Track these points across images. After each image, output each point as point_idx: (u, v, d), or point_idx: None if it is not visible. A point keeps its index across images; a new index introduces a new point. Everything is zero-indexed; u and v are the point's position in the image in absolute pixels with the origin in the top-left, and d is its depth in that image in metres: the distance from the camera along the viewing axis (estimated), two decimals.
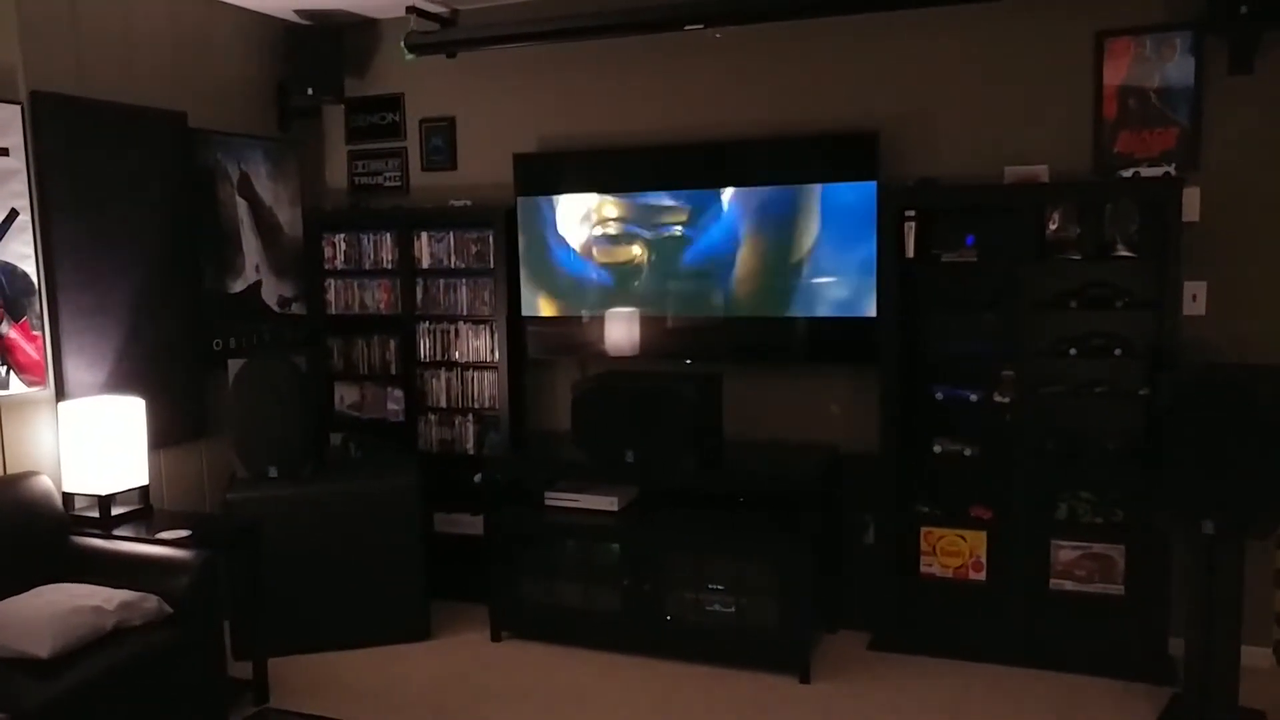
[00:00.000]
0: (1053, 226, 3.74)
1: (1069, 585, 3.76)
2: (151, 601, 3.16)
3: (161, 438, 3.97)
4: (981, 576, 3.87)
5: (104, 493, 3.60)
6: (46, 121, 3.58)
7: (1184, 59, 3.68)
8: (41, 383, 3.58)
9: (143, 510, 3.73)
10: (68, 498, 3.61)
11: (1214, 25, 3.58)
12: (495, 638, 4.18)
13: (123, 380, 3.85)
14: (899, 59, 4.05)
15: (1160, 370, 3.42)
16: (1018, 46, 3.89)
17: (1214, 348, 3.65)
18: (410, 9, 4.33)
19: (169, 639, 3.13)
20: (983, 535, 3.87)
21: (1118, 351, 3.65)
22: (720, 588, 3.84)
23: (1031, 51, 3.87)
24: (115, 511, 3.63)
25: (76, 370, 3.70)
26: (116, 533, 3.54)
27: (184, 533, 3.50)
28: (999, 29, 3.88)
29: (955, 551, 3.90)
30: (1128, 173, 3.72)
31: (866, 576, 4.07)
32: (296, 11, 4.57)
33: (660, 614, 3.91)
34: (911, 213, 3.82)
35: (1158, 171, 3.67)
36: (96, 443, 3.57)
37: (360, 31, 4.78)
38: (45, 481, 3.47)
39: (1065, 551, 3.77)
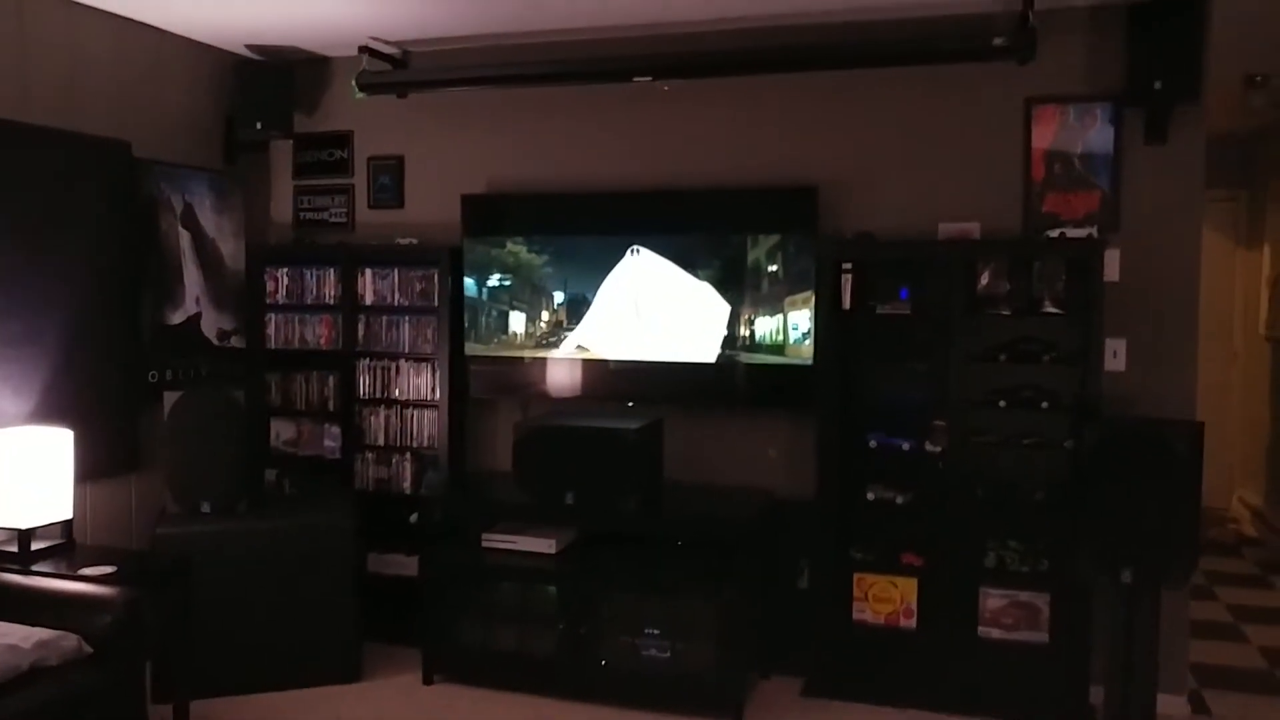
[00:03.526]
0: (984, 282, 3.87)
1: (996, 633, 3.84)
2: (71, 640, 3.05)
3: (90, 470, 3.88)
4: (912, 623, 3.93)
5: (24, 526, 3.50)
6: None
7: (1104, 128, 3.87)
8: None
9: (65, 545, 3.62)
10: None
11: (1130, 98, 3.78)
12: (427, 680, 4.12)
13: (52, 411, 3.76)
14: (840, 117, 4.19)
15: (1083, 423, 3.55)
16: (953, 108, 4.05)
17: (1133, 402, 3.80)
18: (363, 49, 4.37)
19: (88, 680, 3.02)
20: (914, 582, 3.93)
21: (1045, 404, 3.77)
22: (656, 632, 3.84)
23: (966, 114, 4.04)
24: (36, 546, 3.52)
25: (1, 399, 3.61)
26: (36, 568, 3.43)
27: (108, 569, 3.40)
28: (935, 91, 4.05)
29: (887, 598, 3.96)
30: (1054, 233, 3.88)
31: (801, 622, 4.11)
32: (248, 46, 4.58)
33: (596, 658, 3.90)
34: (848, 265, 3.92)
35: (1082, 233, 3.84)
36: (19, 475, 3.47)
37: (312, 68, 4.80)
38: None
39: (993, 599, 3.85)
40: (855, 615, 3.99)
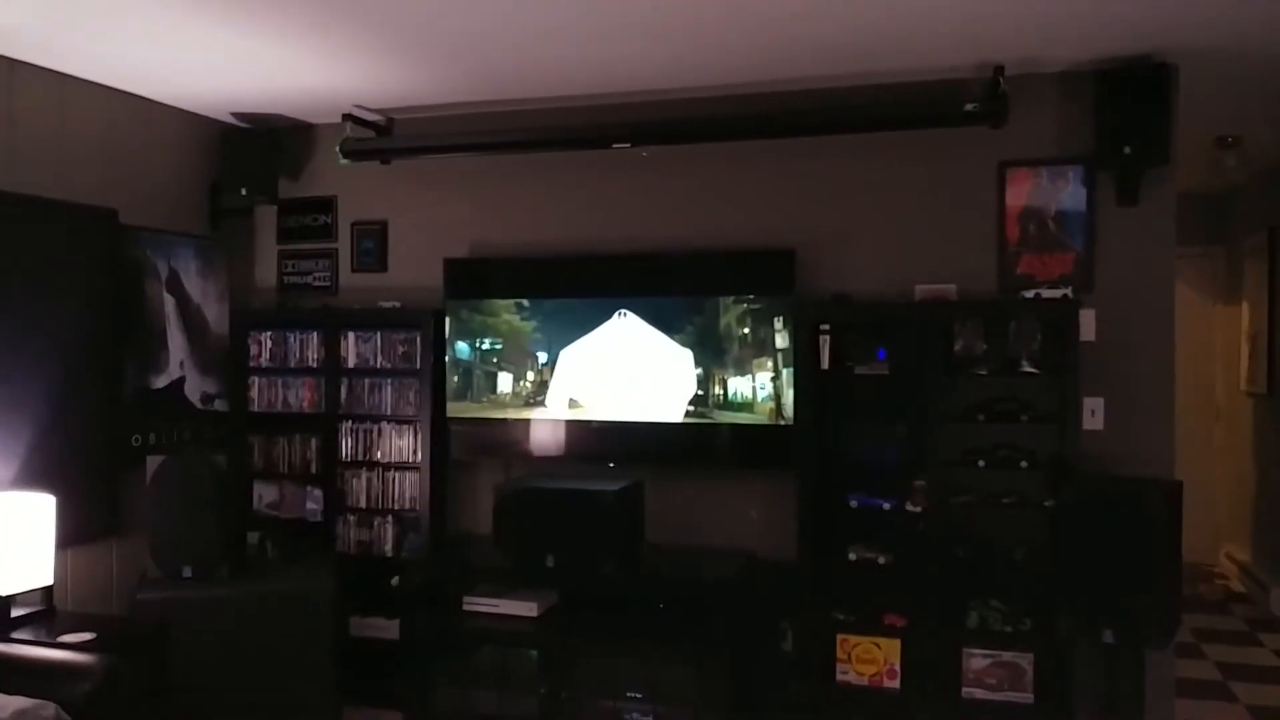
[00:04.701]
0: (960, 342, 3.92)
1: (980, 694, 3.82)
2: (49, 710, 3.02)
3: (71, 536, 3.87)
4: (895, 684, 3.91)
5: (3, 593, 3.48)
6: None
7: (1077, 189, 3.94)
8: None
9: (45, 612, 3.60)
10: None
11: (1101, 162, 3.85)
12: None
13: (34, 476, 3.76)
14: (817, 180, 4.25)
15: (1062, 482, 3.57)
16: (927, 171, 4.12)
17: (1112, 460, 3.82)
18: (347, 116, 4.45)
19: None
20: (896, 643, 3.92)
21: (1023, 463, 3.80)
22: (638, 695, 3.82)
23: (940, 177, 4.11)
24: (16, 613, 3.50)
25: None
26: (15, 635, 3.41)
27: (87, 635, 3.39)
28: (910, 154, 4.12)
29: (870, 659, 3.95)
30: (1030, 293, 3.91)
31: (784, 683, 4.08)
32: (233, 114, 4.66)
33: None
34: (826, 326, 3.96)
35: (1057, 293, 3.87)
36: None
37: (296, 135, 4.88)
38: None
39: (976, 659, 3.84)
40: (838, 676, 3.97)
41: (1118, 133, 3.76)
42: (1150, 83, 3.74)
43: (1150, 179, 3.84)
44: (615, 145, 4.17)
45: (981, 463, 3.83)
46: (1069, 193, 3.96)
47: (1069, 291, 3.87)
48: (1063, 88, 3.95)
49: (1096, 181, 3.91)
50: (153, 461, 3.98)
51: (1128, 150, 3.74)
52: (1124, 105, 3.76)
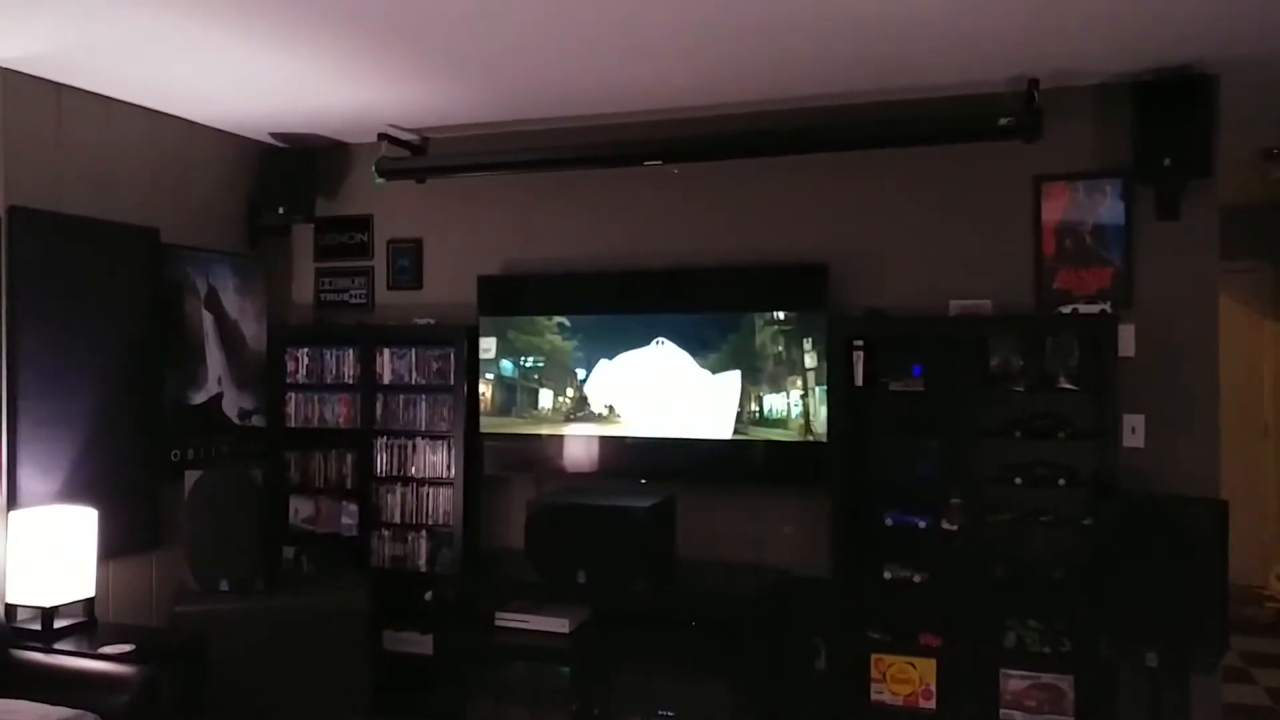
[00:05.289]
0: (996, 358, 3.87)
1: (1018, 716, 3.75)
2: (89, 719, 3.10)
3: (113, 548, 3.94)
4: (931, 705, 3.85)
5: (48, 605, 3.55)
6: (21, 235, 3.67)
7: (1115, 204, 3.88)
8: None
9: (87, 623, 3.67)
10: (11, 609, 3.56)
11: (1140, 176, 3.79)
12: None
13: (77, 490, 3.84)
14: (850, 195, 4.23)
15: (1102, 500, 3.50)
16: (962, 186, 4.08)
17: (1153, 478, 3.74)
18: (382, 136, 4.51)
19: None
20: (932, 663, 3.86)
21: (1061, 481, 3.73)
22: (670, 713, 3.79)
23: (975, 192, 4.07)
24: (59, 624, 3.57)
25: (30, 480, 3.69)
26: (58, 646, 3.48)
27: (127, 647, 3.44)
28: (944, 169, 4.08)
29: (905, 679, 3.89)
30: (1067, 309, 3.85)
31: (817, 702, 4.03)
32: (272, 134, 4.74)
33: None
34: (860, 342, 3.94)
35: (1095, 308, 3.81)
36: (44, 553, 3.55)
37: (333, 155, 4.96)
38: None
39: (1014, 681, 3.77)
40: (873, 696, 3.92)
41: (1157, 145, 3.70)
42: (1190, 94, 3.67)
43: (1192, 192, 3.77)
44: (647, 163, 4.18)
45: (1019, 480, 3.77)
46: (1107, 207, 3.90)
47: (1107, 306, 3.81)
48: (1099, 100, 3.90)
49: (1135, 195, 3.85)
50: (191, 476, 4.05)
51: (1168, 163, 3.67)
52: (1163, 117, 3.69)
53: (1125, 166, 3.83)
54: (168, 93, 4.08)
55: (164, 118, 4.36)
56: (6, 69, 3.66)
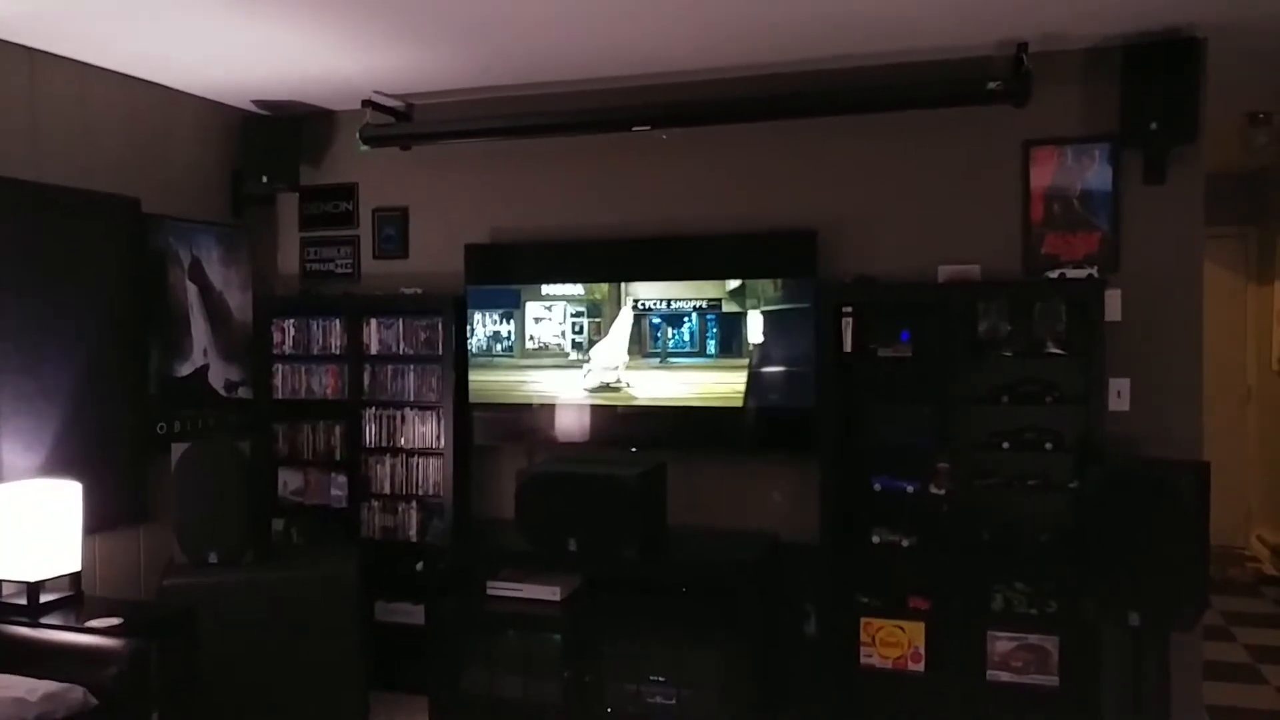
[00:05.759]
0: (984, 324, 3.87)
1: (1005, 676, 3.79)
2: (77, 693, 3.07)
3: (98, 522, 3.91)
4: (920, 667, 3.89)
5: (33, 579, 3.52)
6: None
7: (1103, 168, 3.88)
8: None
9: (73, 597, 3.64)
10: None
11: (1127, 140, 3.79)
12: None
13: (61, 464, 3.80)
14: (838, 161, 4.22)
15: (1087, 464, 3.53)
16: (951, 151, 4.07)
17: (1138, 442, 3.77)
18: (366, 102, 4.45)
19: None
20: (921, 626, 3.90)
21: (1048, 445, 3.76)
22: (661, 679, 3.82)
23: (963, 156, 4.06)
24: (44, 599, 3.54)
25: (12, 454, 3.66)
26: (44, 621, 3.45)
27: (114, 621, 3.42)
28: (933, 134, 4.07)
29: (894, 642, 3.93)
30: (1054, 274, 3.87)
31: (808, 667, 4.07)
32: (254, 102, 4.67)
33: (602, 706, 3.88)
34: (848, 309, 3.94)
35: (1082, 273, 3.83)
36: (28, 528, 3.51)
37: (317, 122, 4.89)
38: None
39: (1001, 642, 3.81)
40: (863, 660, 3.95)
41: (1144, 109, 3.70)
42: (1178, 58, 3.66)
43: (1178, 156, 3.78)
44: (635, 129, 4.15)
45: (1006, 445, 3.79)
46: (1094, 171, 3.90)
47: (1094, 271, 3.83)
48: (1087, 64, 3.89)
49: (1122, 160, 3.85)
50: (178, 449, 4.01)
51: (1154, 127, 3.68)
52: (1151, 81, 3.69)
53: (1113, 131, 3.83)
54: (146, 59, 4.00)
55: (143, 85, 4.28)
56: None
